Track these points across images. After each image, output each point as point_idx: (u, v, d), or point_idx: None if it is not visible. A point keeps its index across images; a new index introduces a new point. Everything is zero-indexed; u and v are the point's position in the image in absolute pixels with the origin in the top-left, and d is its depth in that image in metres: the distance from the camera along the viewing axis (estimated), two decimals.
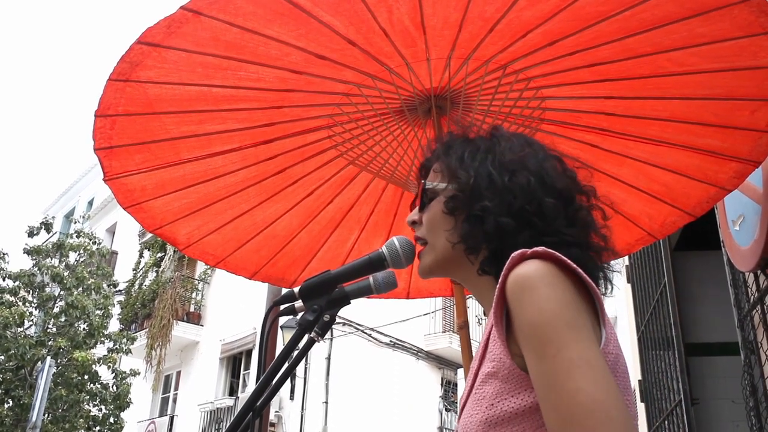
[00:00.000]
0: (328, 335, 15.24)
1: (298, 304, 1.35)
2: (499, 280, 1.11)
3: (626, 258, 6.46)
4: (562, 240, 1.21)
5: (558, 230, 1.23)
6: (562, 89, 2.71)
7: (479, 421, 1.08)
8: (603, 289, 1.23)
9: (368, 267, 1.36)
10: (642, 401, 6.08)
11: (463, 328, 2.71)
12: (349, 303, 1.37)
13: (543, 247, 1.09)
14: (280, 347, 10.74)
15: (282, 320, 11.54)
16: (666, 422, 5.13)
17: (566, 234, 1.23)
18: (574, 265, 1.08)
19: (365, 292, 1.38)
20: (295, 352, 1.39)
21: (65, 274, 14.48)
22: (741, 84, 2.53)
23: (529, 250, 1.10)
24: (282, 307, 1.37)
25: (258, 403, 1.28)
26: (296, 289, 1.34)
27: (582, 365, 0.99)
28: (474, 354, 1.35)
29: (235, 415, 1.28)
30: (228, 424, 1.27)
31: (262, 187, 3.01)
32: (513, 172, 1.28)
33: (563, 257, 1.08)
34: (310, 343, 1.33)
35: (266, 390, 1.29)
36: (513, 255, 1.10)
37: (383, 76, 2.63)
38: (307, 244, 3.31)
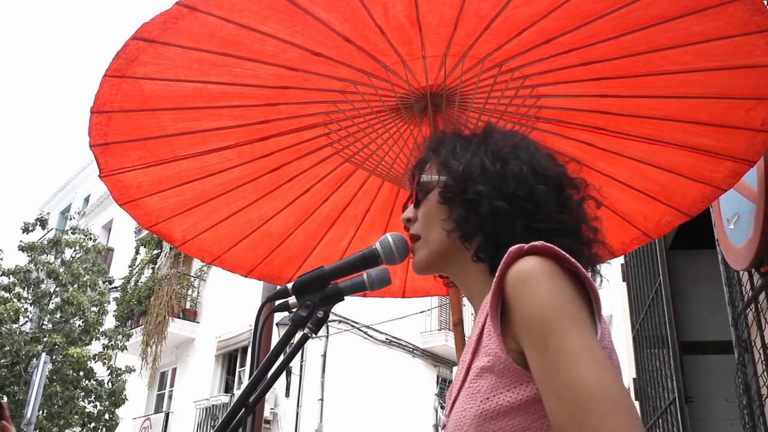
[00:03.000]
0: (323, 333, 15.27)
1: (292, 300, 1.35)
2: (497, 274, 1.12)
3: (622, 257, 6.47)
4: (553, 228, 1.23)
5: (550, 216, 1.25)
6: (558, 87, 2.70)
7: (473, 415, 1.08)
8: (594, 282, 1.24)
9: (362, 263, 1.37)
10: (636, 399, 6.10)
11: (458, 326, 2.71)
12: (343, 299, 1.38)
13: (541, 242, 1.10)
14: (275, 344, 10.72)
15: (277, 318, 11.54)
16: (660, 420, 5.15)
17: (557, 221, 1.25)
18: (573, 260, 1.10)
19: (359, 288, 1.39)
20: (289, 348, 1.39)
21: (61, 270, 14.47)
22: (736, 83, 2.53)
23: (527, 246, 1.11)
24: (276, 303, 1.38)
25: (250, 399, 1.28)
26: (290, 285, 1.34)
27: (586, 355, 1.00)
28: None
29: (228, 411, 1.28)
30: (221, 421, 1.27)
31: (257, 185, 3.01)
32: (505, 160, 1.32)
33: (561, 252, 1.09)
34: (304, 339, 1.33)
35: (259, 386, 1.29)
36: (510, 250, 1.11)
37: (379, 74, 2.62)
38: (303, 242, 3.31)
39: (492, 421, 1.07)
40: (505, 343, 1.09)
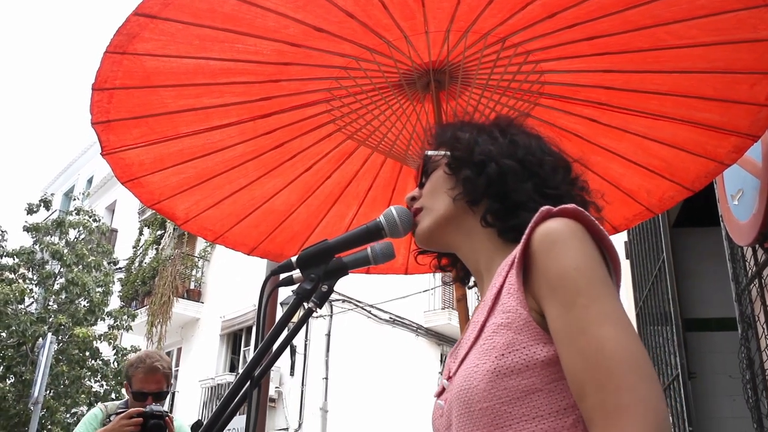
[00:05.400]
0: (327, 312, 15.31)
1: (297, 274, 1.35)
2: (525, 232, 1.12)
3: (625, 234, 6.47)
4: (564, 196, 1.24)
5: (558, 185, 1.27)
6: (562, 63, 2.68)
7: (486, 370, 1.07)
8: None
9: (366, 237, 1.36)
10: None
11: (462, 301, 2.71)
12: (347, 273, 1.37)
13: (573, 205, 1.11)
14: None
15: (282, 297, 11.56)
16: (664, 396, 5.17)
17: (566, 190, 1.27)
18: (600, 226, 1.11)
19: (363, 262, 1.37)
20: (293, 324, 1.39)
21: (65, 251, 14.52)
22: (740, 57, 2.51)
23: (555, 208, 1.12)
24: (280, 277, 1.37)
25: (256, 373, 1.28)
26: (294, 259, 1.33)
27: (614, 318, 1.02)
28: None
29: (232, 385, 1.28)
30: (226, 394, 1.27)
31: (260, 162, 3.00)
32: (513, 134, 1.34)
33: (591, 217, 1.11)
34: (308, 313, 1.32)
35: (263, 359, 1.29)
36: (541, 210, 1.12)
37: (382, 50, 2.61)
38: (306, 219, 3.31)
39: (505, 378, 1.06)
40: (527, 302, 1.10)
